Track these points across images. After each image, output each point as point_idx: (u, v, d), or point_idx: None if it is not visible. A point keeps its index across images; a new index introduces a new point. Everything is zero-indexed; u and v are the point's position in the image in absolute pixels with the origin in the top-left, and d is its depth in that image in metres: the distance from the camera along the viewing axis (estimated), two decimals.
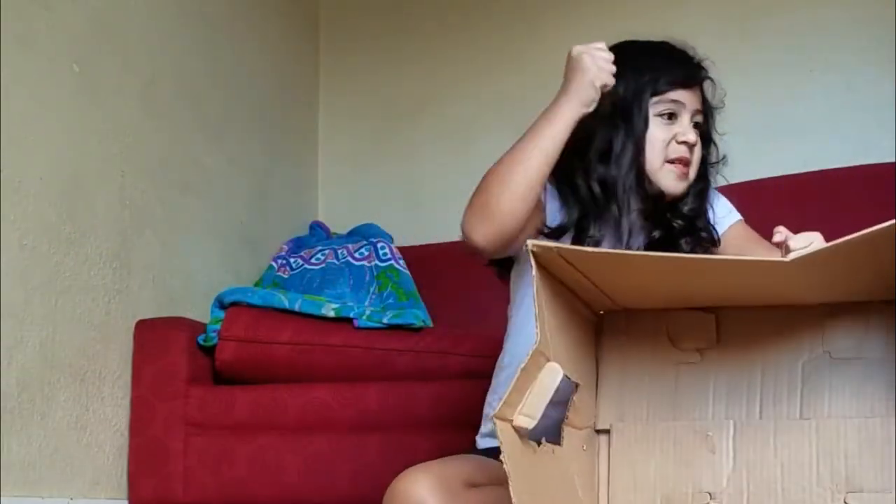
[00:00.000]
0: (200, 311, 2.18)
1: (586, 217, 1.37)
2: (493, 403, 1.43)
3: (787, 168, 2.34)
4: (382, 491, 1.20)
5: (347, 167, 2.95)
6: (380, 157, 2.92)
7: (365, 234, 2.54)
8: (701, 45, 2.59)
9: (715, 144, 1.49)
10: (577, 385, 1.06)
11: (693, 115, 1.41)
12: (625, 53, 1.38)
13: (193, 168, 2.31)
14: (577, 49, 1.28)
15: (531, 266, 1.00)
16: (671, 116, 1.39)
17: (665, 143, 1.38)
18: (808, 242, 1.15)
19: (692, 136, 1.39)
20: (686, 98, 1.40)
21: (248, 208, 2.54)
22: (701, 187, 1.45)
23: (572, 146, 1.34)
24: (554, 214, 1.39)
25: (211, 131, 2.39)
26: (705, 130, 1.45)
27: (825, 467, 1.03)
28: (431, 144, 2.86)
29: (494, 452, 1.36)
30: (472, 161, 3.02)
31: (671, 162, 1.38)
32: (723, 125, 2.58)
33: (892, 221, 0.89)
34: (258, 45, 2.66)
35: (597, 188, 1.37)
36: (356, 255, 2.40)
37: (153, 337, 2.00)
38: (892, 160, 2.20)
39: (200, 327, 2.06)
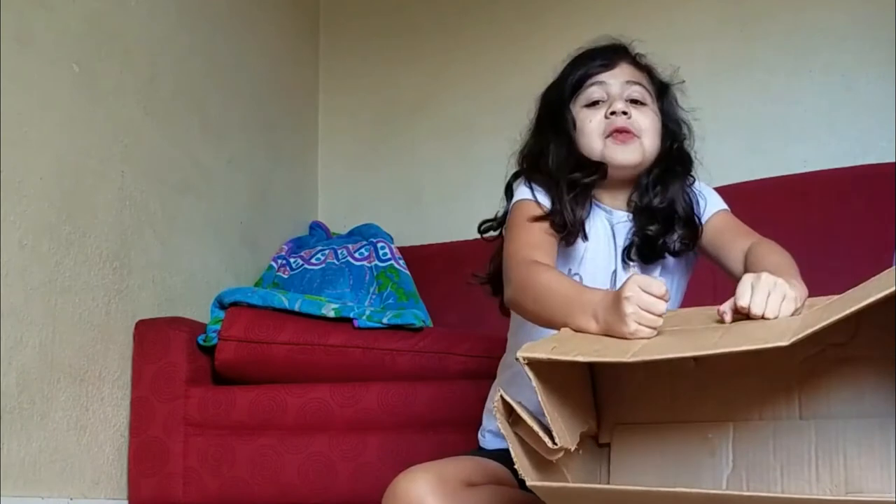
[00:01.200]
0: (200, 311, 2.18)
1: (568, 217, 1.38)
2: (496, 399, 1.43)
3: (787, 168, 2.34)
4: (382, 491, 1.20)
5: (347, 167, 2.95)
6: (379, 158, 2.92)
7: (365, 234, 2.54)
8: (701, 45, 2.61)
9: (684, 122, 1.48)
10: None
11: (624, 89, 1.40)
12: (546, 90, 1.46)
13: (193, 168, 2.31)
14: (627, 292, 1.08)
15: (532, 379, 0.99)
16: (597, 102, 1.40)
17: (596, 124, 1.39)
18: (766, 293, 1.06)
19: (619, 104, 1.38)
20: (608, 77, 1.41)
21: (248, 208, 2.54)
22: (663, 168, 1.42)
23: (523, 155, 1.45)
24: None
25: (211, 131, 2.39)
26: (661, 107, 1.44)
27: (825, 468, 1.03)
28: (431, 144, 2.86)
29: (497, 453, 1.37)
30: (472, 161, 3.04)
31: (609, 136, 1.38)
32: (724, 125, 2.60)
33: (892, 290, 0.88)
34: (258, 45, 2.66)
35: (565, 194, 1.38)
36: (356, 255, 2.40)
37: (153, 337, 2.01)
38: (892, 160, 2.20)
39: (200, 327, 2.06)
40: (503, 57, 2.79)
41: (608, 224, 1.43)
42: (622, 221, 1.43)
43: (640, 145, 1.39)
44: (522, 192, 1.41)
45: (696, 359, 1.09)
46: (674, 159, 1.44)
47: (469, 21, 2.85)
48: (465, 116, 2.81)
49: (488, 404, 1.49)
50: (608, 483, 1.11)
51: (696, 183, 1.46)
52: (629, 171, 1.41)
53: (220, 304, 2.07)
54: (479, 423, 1.52)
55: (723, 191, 2.51)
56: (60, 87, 1.89)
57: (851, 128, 2.41)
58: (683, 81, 1.49)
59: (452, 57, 2.86)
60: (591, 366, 1.15)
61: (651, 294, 1.07)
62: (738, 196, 2.30)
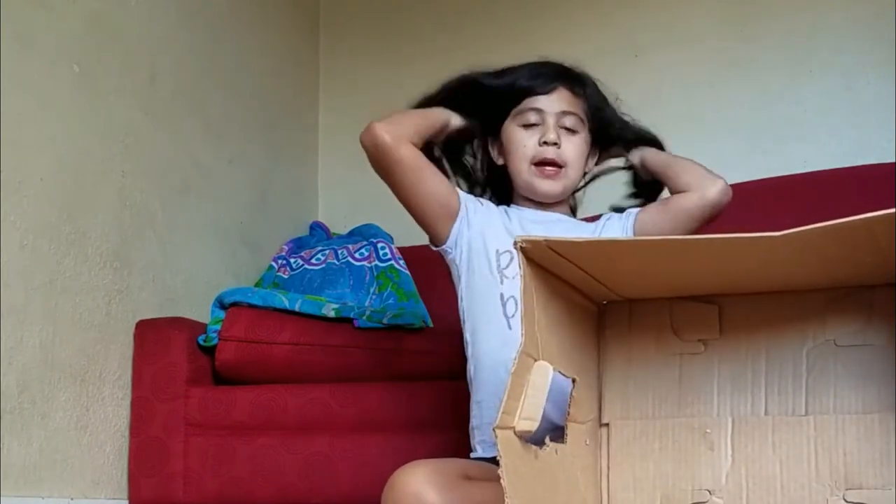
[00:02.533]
0: (200, 311, 2.18)
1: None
2: (479, 415, 1.45)
3: (787, 168, 2.34)
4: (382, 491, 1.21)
5: (348, 167, 2.94)
6: None
7: (365, 234, 2.54)
8: (701, 45, 2.61)
9: (621, 140, 1.59)
10: (574, 380, 1.06)
11: (559, 118, 1.49)
12: (479, 83, 1.56)
13: (193, 168, 2.31)
14: None
15: (519, 263, 0.99)
16: (532, 125, 1.49)
17: (531, 149, 1.49)
18: None
19: (552, 134, 1.47)
20: (545, 104, 1.50)
21: (248, 208, 2.54)
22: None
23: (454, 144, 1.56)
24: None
25: (211, 131, 2.39)
26: (595, 129, 1.54)
27: (824, 464, 1.03)
28: None
29: (492, 460, 1.37)
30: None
31: (537, 165, 1.49)
32: (724, 125, 2.59)
33: (891, 210, 0.89)
34: (258, 45, 2.66)
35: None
36: (356, 255, 2.40)
37: (153, 337, 2.01)
38: (892, 160, 2.20)
39: (200, 327, 2.06)
40: (503, 57, 2.77)
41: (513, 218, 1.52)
42: (547, 221, 1.51)
43: (563, 177, 1.50)
44: None
45: (704, 342, 1.10)
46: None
47: (469, 21, 2.85)
48: None
49: (472, 422, 1.50)
50: (607, 472, 1.11)
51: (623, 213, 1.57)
52: (550, 200, 1.52)
53: (221, 304, 2.08)
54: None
55: None
56: (60, 87, 1.89)
57: (851, 128, 2.41)
58: (618, 99, 1.58)
59: (452, 57, 2.82)
60: (599, 353, 1.15)
61: None
62: (738, 196, 2.29)
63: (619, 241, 1.03)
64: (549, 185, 1.50)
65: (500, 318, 1.43)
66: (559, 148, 1.48)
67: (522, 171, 1.50)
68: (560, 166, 1.49)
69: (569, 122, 1.50)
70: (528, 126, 1.50)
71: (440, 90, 1.59)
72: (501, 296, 1.43)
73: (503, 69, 1.57)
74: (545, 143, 1.48)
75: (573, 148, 1.50)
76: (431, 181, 1.48)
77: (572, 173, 1.51)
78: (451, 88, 1.58)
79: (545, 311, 1.02)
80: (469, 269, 1.50)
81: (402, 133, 1.46)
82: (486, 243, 1.48)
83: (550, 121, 1.49)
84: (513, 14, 2.79)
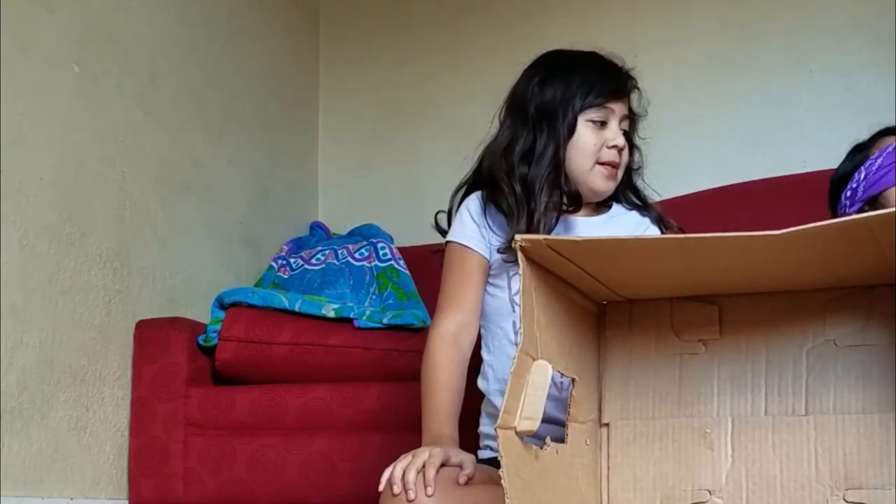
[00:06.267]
0: (200, 311, 2.18)
1: (511, 217, 1.44)
2: (490, 424, 1.46)
3: (787, 168, 2.34)
4: None
5: (347, 167, 2.95)
6: (380, 158, 2.92)
7: (365, 234, 2.54)
8: (701, 45, 2.61)
9: (638, 150, 1.56)
10: (573, 379, 1.06)
11: (621, 122, 1.48)
12: (553, 61, 1.51)
13: (193, 168, 2.31)
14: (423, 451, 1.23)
15: (518, 262, 0.98)
16: (602, 124, 1.46)
17: (597, 147, 1.45)
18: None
19: (621, 140, 1.46)
20: (615, 106, 1.47)
21: (248, 208, 2.54)
22: (622, 190, 1.54)
23: (500, 149, 1.49)
24: (505, 229, 1.46)
25: (211, 131, 2.39)
26: (630, 137, 1.52)
27: (824, 464, 1.03)
28: (431, 144, 2.86)
29: (494, 462, 1.37)
30: (472, 161, 3.03)
31: (602, 164, 1.46)
32: (724, 125, 2.59)
33: (891, 210, 0.88)
34: (258, 45, 2.66)
35: (518, 187, 1.44)
36: (356, 255, 2.40)
37: (153, 337, 2.01)
38: None
39: (200, 327, 2.06)
40: (503, 57, 2.77)
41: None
42: (550, 223, 1.46)
43: (616, 180, 1.49)
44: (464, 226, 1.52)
45: (704, 342, 1.10)
46: (628, 184, 1.54)
47: (469, 21, 2.85)
48: (465, 116, 2.81)
49: (482, 429, 1.51)
50: (607, 472, 1.11)
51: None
52: (600, 199, 1.51)
53: (221, 304, 2.08)
54: (478, 424, 1.53)
55: (723, 191, 2.51)
56: (61, 87, 1.89)
57: (851, 128, 2.40)
58: (647, 114, 1.56)
59: (452, 57, 2.86)
60: (599, 352, 1.15)
61: (440, 465, 1.17)
62: (738, 197, 2.30)
63: (619, 241, 1.03)
64: (607, 184, 1.48)
65: (511, 347, 1.41)
66: (620, 153, 1.48)
67: (584, 167, 1.46)
68: (617, 170, 1.49)
69: (625, 125, 1.49)
70: (596, 123, 1.46)
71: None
72: (514, 324, 1.42)
73: (582, 55, 1.53)
74: (614, 147, 1.46)
75: (626, 153, 1.50)
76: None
77: (619, 175, 1.50)
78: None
79: (545, 311, 1.02)
80: (489, 284, 1.49)
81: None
82: (506, 265, 1.46)
83: (615, 125, 1.47)
84: (512, 14, 2.79)
